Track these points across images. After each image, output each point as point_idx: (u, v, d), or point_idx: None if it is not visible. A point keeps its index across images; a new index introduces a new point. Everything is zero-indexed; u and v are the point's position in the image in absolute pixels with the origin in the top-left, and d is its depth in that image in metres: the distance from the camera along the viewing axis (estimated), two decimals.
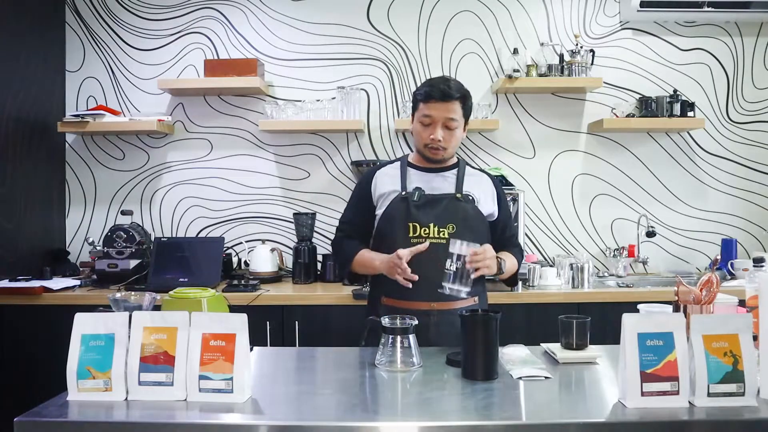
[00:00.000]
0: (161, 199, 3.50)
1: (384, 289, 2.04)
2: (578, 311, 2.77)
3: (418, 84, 3.45)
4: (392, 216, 2.03)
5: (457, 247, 1.82)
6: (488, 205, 2.10)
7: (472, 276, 1.83)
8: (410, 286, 1.90)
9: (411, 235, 1.99)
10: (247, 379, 1.39)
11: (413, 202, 2.01)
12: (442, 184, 2.08)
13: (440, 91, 1.97)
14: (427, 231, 1.99)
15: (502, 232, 2.16)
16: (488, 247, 1.89)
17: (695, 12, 3.38)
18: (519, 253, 2.20)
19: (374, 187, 2.11)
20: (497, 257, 1.96)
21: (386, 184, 2.09)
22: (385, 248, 2.02)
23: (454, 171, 2.10)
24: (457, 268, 1.80)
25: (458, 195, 2.04)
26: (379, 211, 2.08)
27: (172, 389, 1.37)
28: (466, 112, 2.04)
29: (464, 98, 2.02)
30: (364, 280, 2.24)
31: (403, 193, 2.04)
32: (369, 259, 2.05)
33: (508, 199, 2.92)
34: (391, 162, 2.19)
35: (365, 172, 2.17)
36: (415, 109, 2.06)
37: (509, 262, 2.07)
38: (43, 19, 3.33)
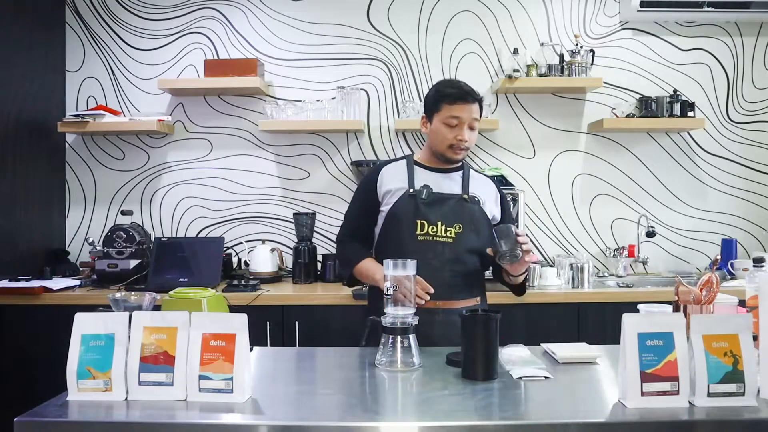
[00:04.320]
0: (161, 199, 3.50)
1: None
2: (578, 311, 2.77)
3: (418, 84, 3.49)
4: (400, 213, 2.03)
5: (390, 269, 1.68)
6: (492, 208, 2.13)
7: (522, 256, 1.84)
8: (423, 300, 1.83)
9: (418, 232, 2.01)
10: (247, 379, 1.38)
11: (421, 200, 2.02)
12: (448, 184, 2.09)
13: (466, 92, 2.03)
14: (435, 229, 2.00)
15: None
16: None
17: (695, 12, 3.39)
18: None
19: (380, 184, 2.11)
20: None
21: (393, 181, 2.09)
22: (391, 247, 2.02)
23: (460, 173, 2.13)
24: (394, 291, 1.67)
25: (465, 196, 2.07)
26: (384, 208, 2.08)
27: (172, 389, 1.37)
28: (481, 113, 2.11)
29: (482, 100, 2.10)
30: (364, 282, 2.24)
31: (411, 190, 2.05)
32: (372, 271, 2.04)
33: (508, 199, 2.95)
34: (396, 160, 2.19)
35: (370, 169, 2.18)
36: (436, 110, 2.05)
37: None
38: (43, 19, 3.33)
